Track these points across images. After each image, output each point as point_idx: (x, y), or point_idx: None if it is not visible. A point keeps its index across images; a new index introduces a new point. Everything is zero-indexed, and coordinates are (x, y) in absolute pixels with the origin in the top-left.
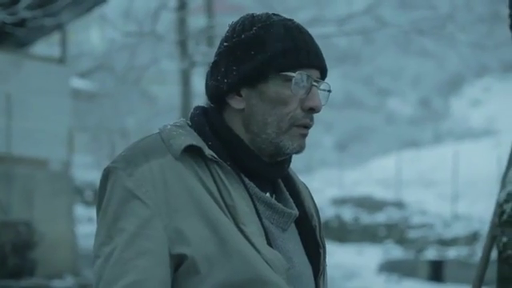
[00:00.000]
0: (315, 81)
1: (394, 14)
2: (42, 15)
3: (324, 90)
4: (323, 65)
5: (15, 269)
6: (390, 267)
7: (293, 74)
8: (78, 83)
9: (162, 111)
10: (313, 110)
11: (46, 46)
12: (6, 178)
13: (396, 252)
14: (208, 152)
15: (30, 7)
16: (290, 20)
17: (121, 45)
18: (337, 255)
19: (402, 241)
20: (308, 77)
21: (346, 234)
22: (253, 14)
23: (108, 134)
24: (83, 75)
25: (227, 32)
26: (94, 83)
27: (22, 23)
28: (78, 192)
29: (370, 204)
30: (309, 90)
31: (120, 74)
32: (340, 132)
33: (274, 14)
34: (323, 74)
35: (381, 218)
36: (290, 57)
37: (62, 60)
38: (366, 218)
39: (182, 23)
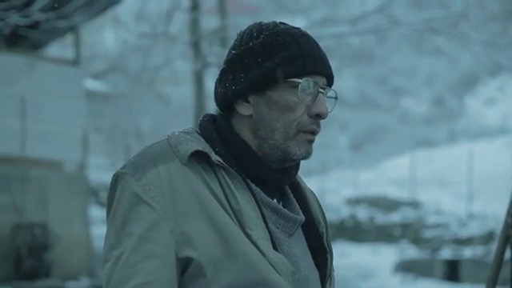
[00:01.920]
0: (322, 88)
1: (406, 12)
2: (56, 17)
3: (331, 97)
4: (330, 72)
5: (31, 270)
6: (406, 267)
7: (299, 81)
8: (92, 85)
9: (176, 112)
10: (319, 117)
11: (60, 48)
12: (20, 179)
13: (411, 252)
14: (215, 157)
15: (43, 9)
16: (297, 28)
17: (134, 46)
18: (352, 255)
19: (417, 240)
20: (314, 83)
21: (361, 233)
22: (260, 23)
23: (123, 135)
24: (97, 77)
25: (235, 40)
26: (108, 84)
27: (35, 25)
28: (93, 193)
29: (385, 204)
30: (315, 97)
31: (134, 76)
32: (354, 132)
33: (281, 23)
34: (330, 82)
35: (396, 217)
36: (297, 64)
37: (75, 62)
38: (381, 218)
39: (195, 24)
